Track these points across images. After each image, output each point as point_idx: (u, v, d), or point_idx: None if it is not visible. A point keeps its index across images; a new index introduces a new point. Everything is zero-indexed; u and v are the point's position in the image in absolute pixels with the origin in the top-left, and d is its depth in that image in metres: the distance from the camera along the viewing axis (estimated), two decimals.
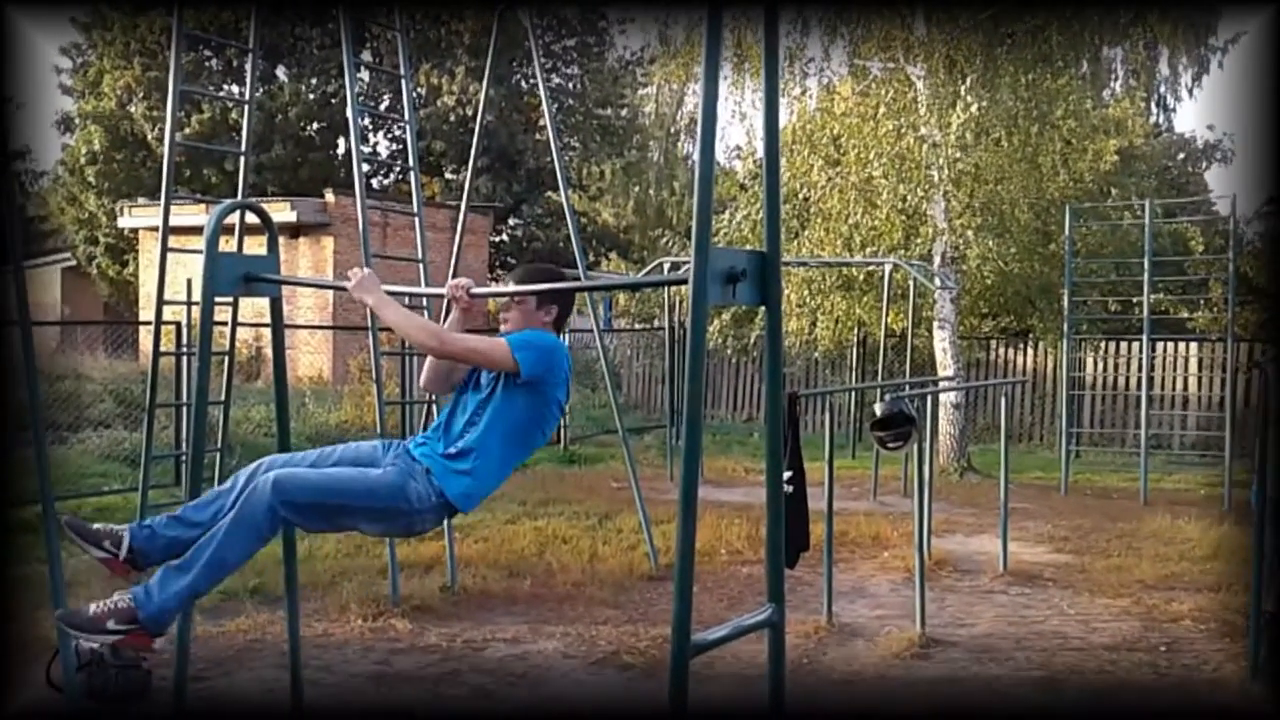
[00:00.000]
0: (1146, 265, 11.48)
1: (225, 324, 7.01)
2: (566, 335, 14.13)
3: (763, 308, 2.58)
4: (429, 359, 3.84)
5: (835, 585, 6.47)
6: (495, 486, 3.71)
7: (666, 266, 13.78)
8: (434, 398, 7.46)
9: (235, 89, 23.52)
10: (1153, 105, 17.94)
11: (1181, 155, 24.69)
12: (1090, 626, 6.34)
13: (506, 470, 3.71)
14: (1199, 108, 53.21)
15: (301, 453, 3.70)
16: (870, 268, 13.12)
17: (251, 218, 3.85)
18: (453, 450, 3.58)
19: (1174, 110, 23.50)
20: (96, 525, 3.52)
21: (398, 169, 26.06)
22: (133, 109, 24.20)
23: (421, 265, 7.19)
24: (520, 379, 3.56)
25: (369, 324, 6.96)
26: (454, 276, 5.37)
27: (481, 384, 3.69)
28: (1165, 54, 13.57)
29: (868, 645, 5.90)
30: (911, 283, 11.97)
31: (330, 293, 18.98)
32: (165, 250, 6.70)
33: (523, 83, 25.86)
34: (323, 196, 19.84)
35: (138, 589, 3.35)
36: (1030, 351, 16.37)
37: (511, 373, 3.56)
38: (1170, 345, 15.15)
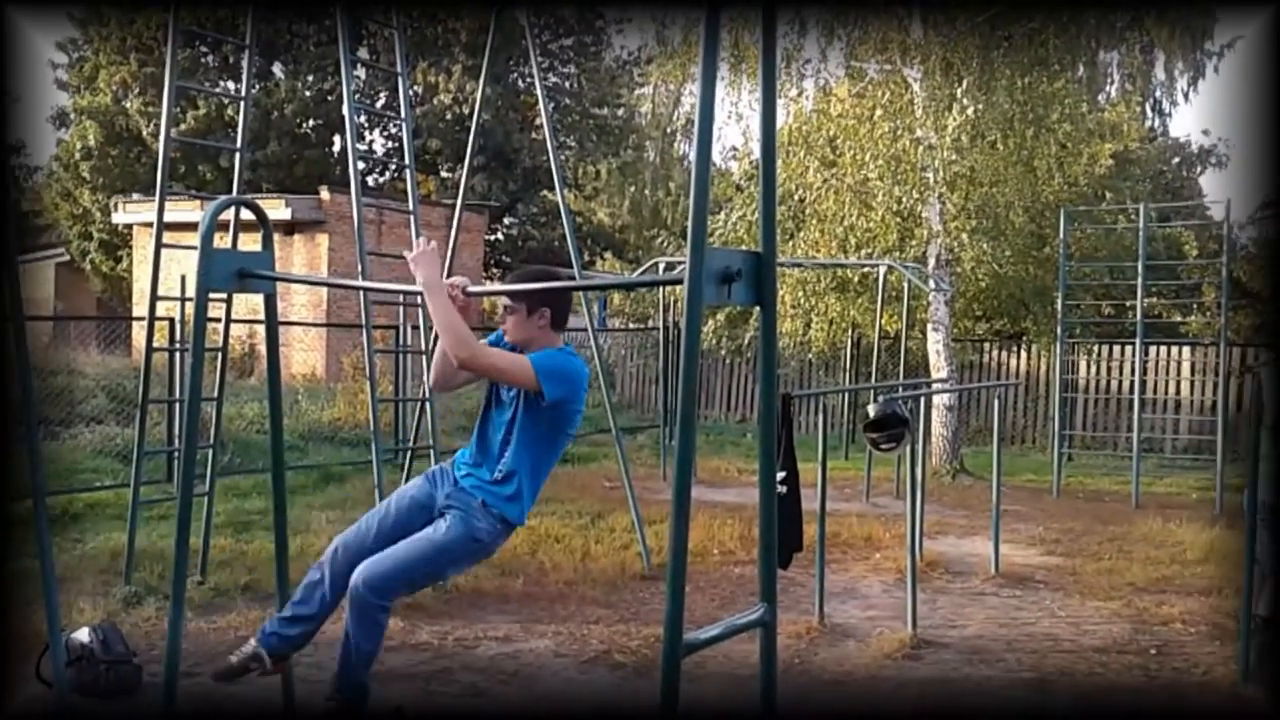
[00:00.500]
0: (1140, 269, 11.52)
1: (219, 320, 6.99)
2: (562, 335, 14.18)
3: (757, 308, 2.59)
4: (436, 360, 3.86)
5: (827, 586, 6.47)
6: (534, 498, 3.94)
7: (662, 266, 13.79)
8: (429, 396, 7.46)
9: (231, 85, 23.45)
10: (1148, 109, 17.94)
11: (1176, 160, 24.76)
12: (1081, 629, 6.35)
13: (544, 476, 3.93)
14: (1194, 112, 53.38)
15: (364, 523, 3.98)
16: (865, 269, 13.13)
17: (246, 214, 3.85)
18: (499, 475, 3.80)
19: (1169, 115, 23.49)
20: (234, 659, 3.95)
21: (393, 167, 26.02)
22: (128, 105, 24.15)
23: None
24: (544, 401, 3.68)
25: (363, 322, 6.95)
26: (449, 275, 5.37)
27: (504, 400, 3.81)
28: (1161, 58, 13.59)
29: (859, 646, 5.92)
30: (906, 284, 11.98)
31: (324, 290, 18.96)
32: (159, 246, 6.68)
33: (519, 81, 25.85)
34: (318, 194, 19.82)
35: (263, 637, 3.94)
36: (1024, 354, 16.40)
37: (533, 392, 3.64)
38: (1163, 349, 15.19)
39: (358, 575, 3.71)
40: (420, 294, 3.73)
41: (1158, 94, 15.42)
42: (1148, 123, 19.88)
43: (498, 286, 3.86)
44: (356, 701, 3.83)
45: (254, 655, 3.89)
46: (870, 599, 6.96)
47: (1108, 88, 14.35)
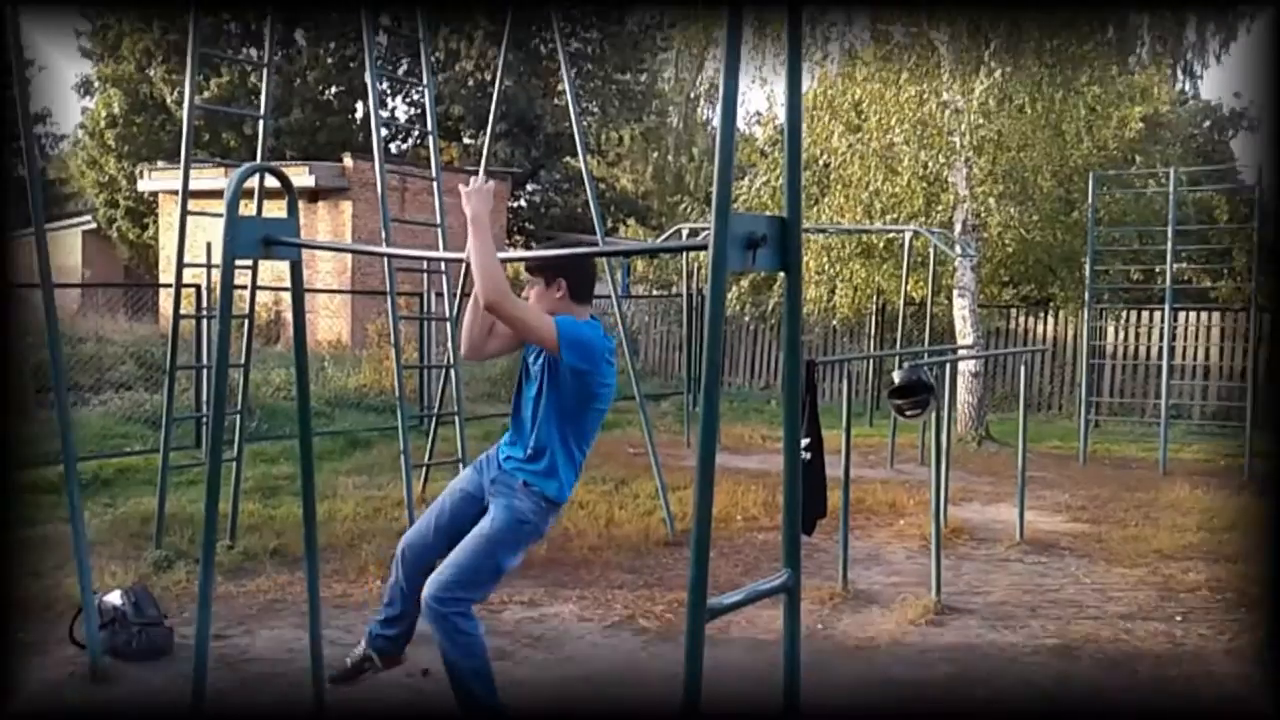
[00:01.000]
0: (1170, 234, 11.37)
1: (245, 287, 7.03)
2: (588, 309, 14.16)
3: (782, 274, 2.57)
4: (466, 327, 3.85)
5: (851, 552, 6.48)
6: (578, 472, 3.89)
7: (685, 233, 13.74)
8: (453, 362, 7.49)
9: (254, 52, 23.42)
10: (1179, 72, 17.67)
11: (1208, 123, 24.40)
12: (1106, 595, 6.34)
13: (580, 454, 3.87)
14: (1226, 74, 52.42)
15: (424, 522, 4.00)
16: (890, 235, 13.04)
17: (271, 181, 3.85)
18: (530, 452, 3.77)
19: (1200, 77, 23.12)
20: (349, 662, 4.13)
21: (416, 133, 25.99)
22: (152, 72, 24.18)
23: (440, 230, 7.20)
24: (562, 365, 3.64)
25: (388, 288, 6.97)
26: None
27: (532, 374, 3.79)
28: (1193, 19, 13.35)
29: (883, 612, 5.93)
30: (931, 250, 11.89)
31: (349, 257, 19.00)
32: (185, 213, 6.71)
33: (541, 47, 25.67)
34: (341, 161, 19.83)
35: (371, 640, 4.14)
36: (1050, 320, 16.27)
37: (552, 354, 3.61)
38: (1192, 315, 15.02)
39: (426, 592, 3.75)
40: (443, 259, 3.71)
41: (1188, 56, 15.14)
42: (1178, 85, 19.56)
43: (519, 253, 3.83)
44: None
45: (365, 657, 4.07)
46: (894, 565, 6.97)
47: (1138, 50, 14.12)
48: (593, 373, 3.71)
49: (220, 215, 3.60)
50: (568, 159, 25.74)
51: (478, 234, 3.52)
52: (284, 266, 3.81)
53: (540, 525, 3.87)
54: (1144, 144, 15.88)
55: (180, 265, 6.86)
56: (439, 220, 7.18)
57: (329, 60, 25.36)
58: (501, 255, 3.95)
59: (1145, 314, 15.18)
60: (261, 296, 7.62)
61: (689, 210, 19.59)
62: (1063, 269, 13.72)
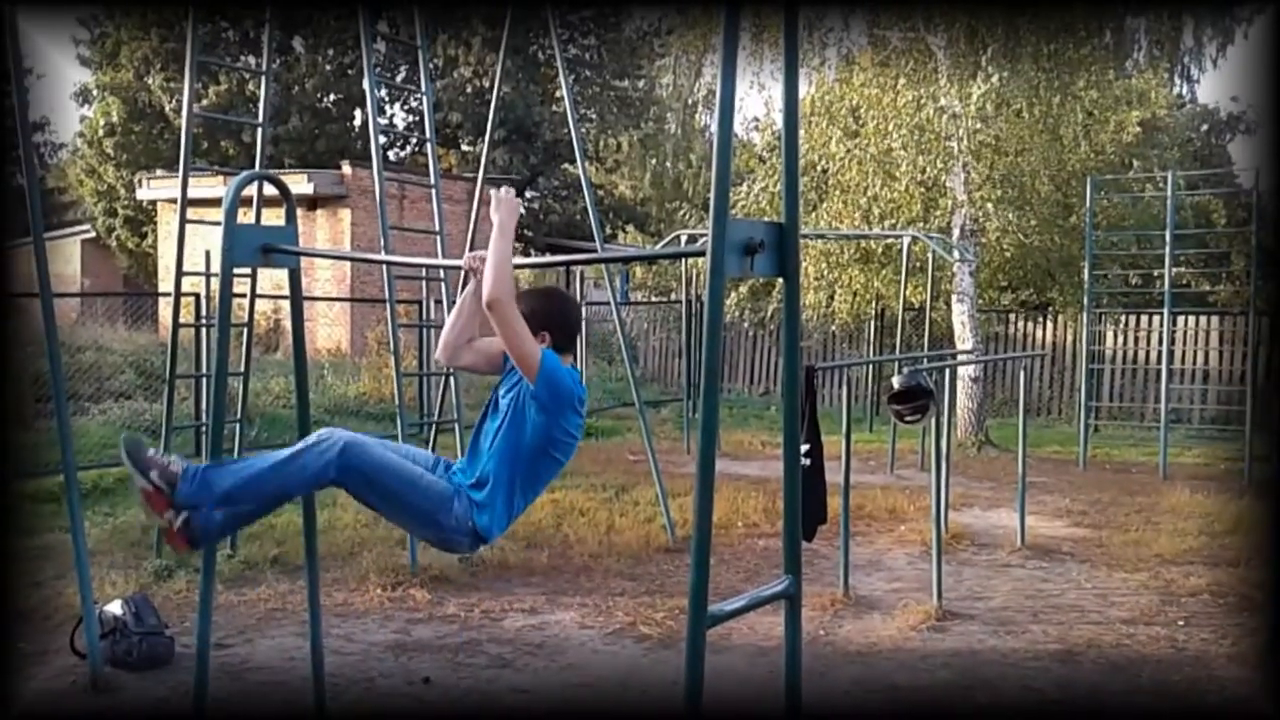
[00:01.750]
0: (1168, 238, 11.38)
1: (244, 296, 7.03)
2: (584, 309, 14.16)
3: (780, 280, 2.57)
4: (447, 330, 3.83)
5: (852, 558, 6.47)
6: (510, 519, 3.69)
7: (684, 239, 13.74)
8: (450, 374, 7.49)
9: (252, 60, 23.46)
10: (1176, 76, 17.70)
11: (1205, 127, 24.44)
12: (1108, 600, 6.33)
13: (522, 502, 3.69)
14: (1223, 78, 52.49)
15: (371, 436, 3.74)
16: (889, 240, 13.04)
17: (269, 189, 3.85)
18: (475, 479, 3.64)
19: (1198, 81, 23.15)
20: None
21: (414, 141, 26.01)
22: (150, 80, 24.20)
23: (439, 237, 7.20)
24: (531, 392, 3.55)
25: (387, 296, 6.96)
26: (471, 249, 5.37)
27: (499, 408, 3.68)
28: (1190, 23, 13.38)
29: (884, 618, 5.92)
30: (930, 255, 11.90)
31: (348, 265, 19.01)
32: (184, 222, 6.71)
33: (539, 54, 25.71)
34: (339, 168, 19.84)
35: (191, 467, 3.41)
36: (1049, 325, 16.27)
37: (528, 379, 3.54)
38: (1191, 319, 15.02)
39: (341, 437, 3.49)
40: (441, 266, 3.67)
41: (1186, 60, 15.17)
42: (1176, 89, 19.60)
43: (519, 260, 3.80)
44: (177, 502, 3.34)
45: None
46: (895, 571, 6.96)
47: (1135, 54, 14.15)
48: (557, 416, 3.59)
49: (219, 223, 3.60)
50: (566, 165, 25.77)
51: (502, 239, 3.51)
52: (283, 274, 3.81)
53: (451, 537, 3.62)
54: (1141, 148, 15.90)
55: (179, 273, 6.85)
56: (438, 228, 7.18)
57: (327, 67, 25.39)
58: None
59: (1144, 318, 15.18)
60: (261, 305, 7.62)
61: (687, 216, 19.60)
62: (1061, 273, 13.73)
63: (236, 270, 3.67)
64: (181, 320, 7.01)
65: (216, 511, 3.38)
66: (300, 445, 3.50)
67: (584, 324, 13.82)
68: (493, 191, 3.66)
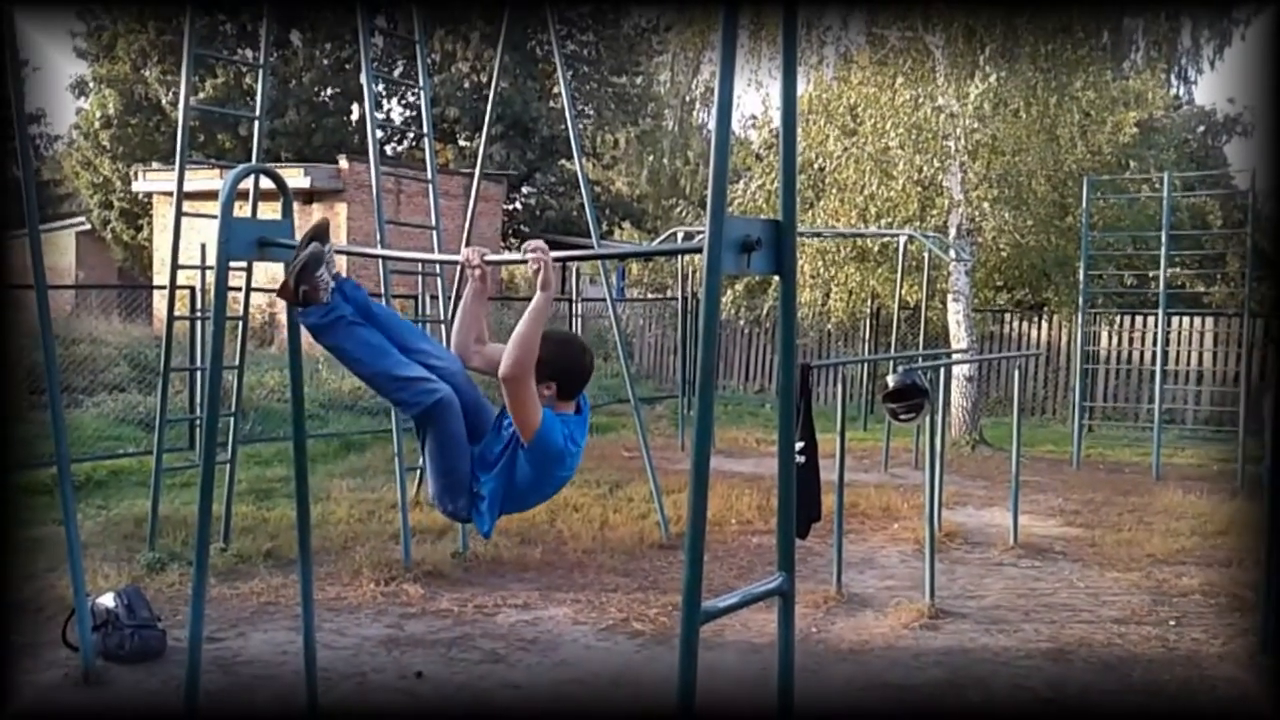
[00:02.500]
0: (1164, 239, 11.39)
1: (239, 289, 7.02)
2: (579, 304, 14.18)
3: (776, 278, 2.57)
4: (455, 332, 3.78)
5: (845, 556, 6.48)
6: (496, 520, 3.76)
7: (680, 236, 13.74)
8: None
9: (249, 53, 23.39)
10: (1173, 77, 17.75)
11: (1201, 128, 24.47)
12: (1100, 600, 6.35)
13: (504, 508, 3.73)
14: (1220, 80, 52.56)
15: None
16: (885, 239, 13.05)
17: (266, 183, 3.84)
18: (477, 488, 3.68)
19: (1195, 82, 23.17)
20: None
21: (411, 135, 25.94)
22: (147, 73, 24.14)
23: (435, 232, 7.19)
24: (524, 447, 3.53)
25: (382, 291, 6.95)
26: (467, 244, 5.36)
27: (502, 433, 3.65)
28: (1187, 25, 13.40)
29: (877, 615, 5.93)
30: (926, 254, 11.91)
31: (344, 258, 18.97)
32: (180, 215, 6.70)
33: (537, 49, 25.67)
34: (336, 163, 19.80)
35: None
36: (1044, 325, 16.29)
37: (523, 437, 3.51)
38: (1186, 320, 15.04)
39: (447, 398, 3.57)
40: (437, 261, 3.64)
41: (1183, 61, 15.23)
42: (1172, 90, 19.65)
43: (515, 256, 3.76)
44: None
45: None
46: (888, 569, 6.97)
47: (1132, 55, 14.19)
48: (546, 467, 3.60)
49: (215, 217, 3.60)
50: (563, 161, 25.74)
51: (534, 319, 3.37)
52: (278, 268, 3.80)
53: (448, 506, 3.69)
54: (1138, 149, 15.92)
55: (175, 267, 6.84)
56: (434, 222, 7.17)
57: (324, 62, 25.34)
58: (498, 258, 3.94)
59: (1139, 319, 15.20)
60: (256, 298, 7.60)
61: (684, 213, 19.57)
62: (1057, 273, 13.74)
63: (232, 264, 3.66)
64: (176, 313, 7.00)
65: (342, 312, 3.62)
66: (413, 374, 3.58)
67: (580, 320, 13.85)
68: (542, 245, 3.43)
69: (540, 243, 3.46)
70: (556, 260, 3.51)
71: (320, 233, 3.59)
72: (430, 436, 3.61)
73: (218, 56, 22.18)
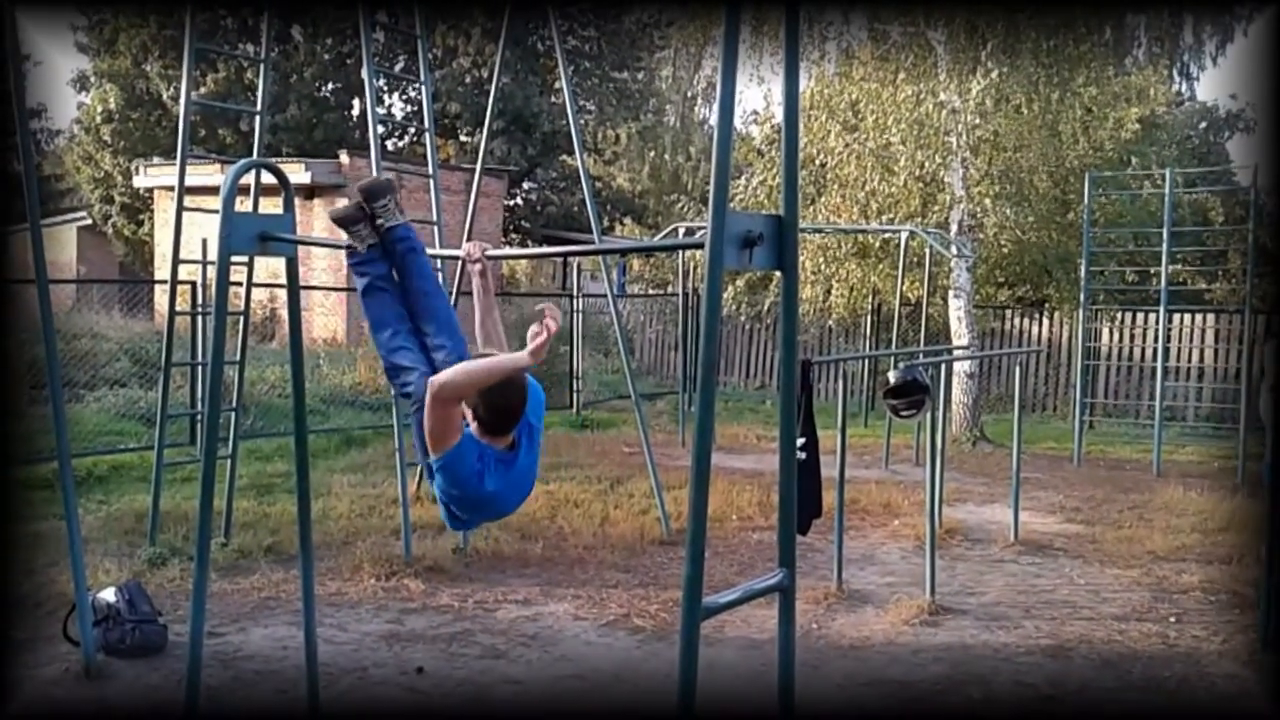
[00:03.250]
0: (1165, 235, 11.38)
1: (240, 284, 7.02)
2: (580, 300, 14.16)
3: (778, 274, 2.57)
4: (483, 337, 3.75)
5: (846, 552, 6.48)
6: (453, 522, 3.70)
7: (681, 231, 13.72)
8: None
9: (250, 48, 23.38)
10: (1175, 73, 17.67)
11: (1204, 124, 24.42)
12: (1100, 596, 6.35)
13: (449, 514, 3.64)
14: (1223, 76, 52.46)
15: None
16: (886, 235, 13.04)
17: (267, 178, 3.84)
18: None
19: (1197, 79, 23.12)
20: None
21: (413, 130, 25.94)
22: (148, 68, 24.12)
23: (436, 227, 7.18)
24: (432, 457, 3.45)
25: None
26: (468, 239, 5.36)
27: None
28: (1190, 21, 13.36)
29: (877, 612, 5.93)
30: (928, 251, 11.89)
31: (345, 253, 18.95)
32: (181, 209, 6.70)
33: (539, 45, 25.65)
34: (337, 157, 19.79)
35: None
36: (1046, 321, 16.28)
37: (430, 450, 3.42)
38: (1187, 316, 15.02)
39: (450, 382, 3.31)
40: (439, 257, 3.64)
41: (1185, 57, 15.17)
42: (1175, 87, 19.60)
43: (516, 251, 3.77)
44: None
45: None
46: (889, 565, 6.97)
47: (1135, 51, 14.13)
48: (463, 490, 3.45)
49: (216, 211, 3.60)
50: (564, 157, 25.72)
51: (521, 365, 3.26)
52: (280, 263, 3.81)
53: (435, 484, 3.54)
54: (1140, 145, 15.88)
55: (176, 261, 6.84)
56: (435, 217, 7.17)
57: (326, 56, 25.31)
58: (500, 253, 3.95)
59: (1140, 315, 15.19)
60: (257, 293, 7.61)
61: (685, 209, 19.56)
62: (1058, 270, 13.72)
63: (233, 258, 3.66)
64: (178, 308, 6.99)
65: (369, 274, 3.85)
66: (411, 363, 3.65)
67: (580, 316, 13.83)
68: (551, 308, 3.36)
69: (556, 312, 3.37)
70: (557, 256, 3.51)
71: (371, 191, 3.76)
72: (421, 417, 3.50)
73: (219, 51, 22.20)
